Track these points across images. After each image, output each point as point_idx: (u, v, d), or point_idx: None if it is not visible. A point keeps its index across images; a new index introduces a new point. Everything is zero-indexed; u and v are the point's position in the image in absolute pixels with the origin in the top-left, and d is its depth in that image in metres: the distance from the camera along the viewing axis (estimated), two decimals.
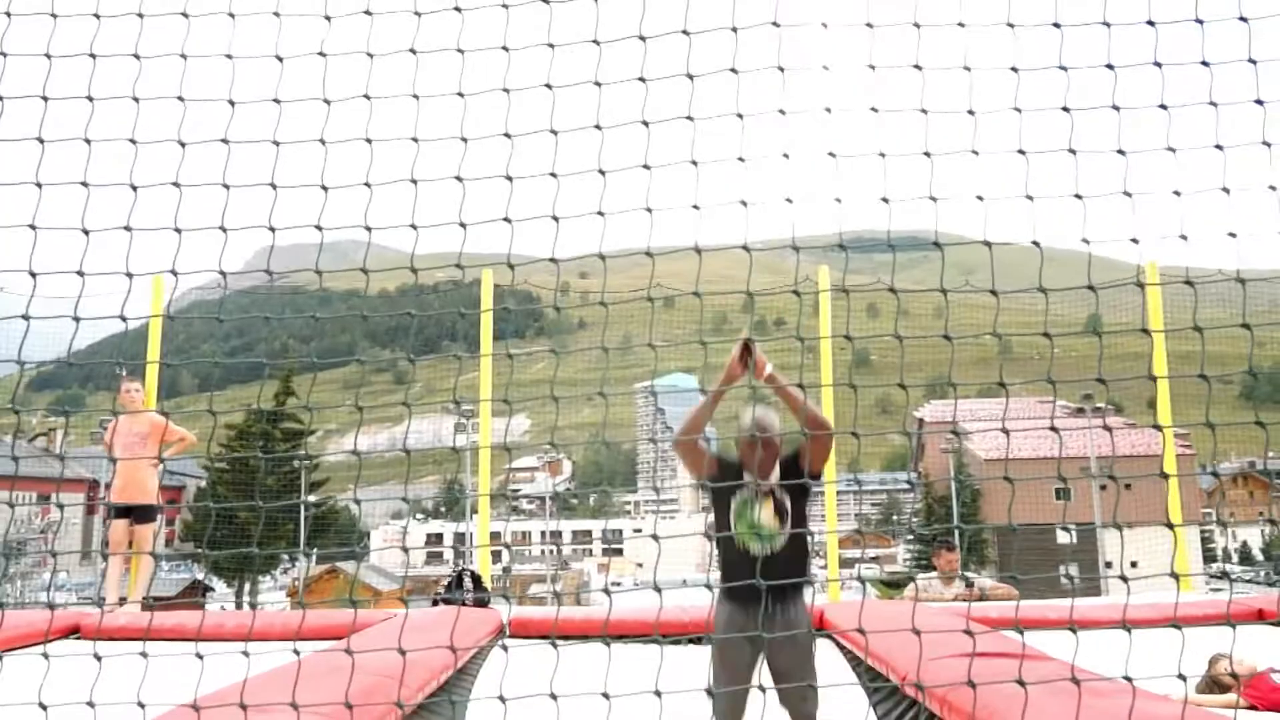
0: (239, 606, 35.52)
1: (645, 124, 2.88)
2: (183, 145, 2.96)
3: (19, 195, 2.85)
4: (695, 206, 2.82)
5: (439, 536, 77.33)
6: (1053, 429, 3.20)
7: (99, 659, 2.63)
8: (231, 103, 3.03)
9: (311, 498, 42.80)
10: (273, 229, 2.89)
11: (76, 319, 2.78)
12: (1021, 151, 2.95)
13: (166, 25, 3.08)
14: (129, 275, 2.78)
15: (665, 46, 2.94)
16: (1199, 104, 2.99)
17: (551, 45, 2.94)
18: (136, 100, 3.02)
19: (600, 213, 2.81)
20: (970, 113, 2.97)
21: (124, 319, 2.90)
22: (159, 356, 7.96)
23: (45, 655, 2.71)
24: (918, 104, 2.96)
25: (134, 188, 2.87)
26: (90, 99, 2.99)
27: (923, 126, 2.97)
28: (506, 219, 2.79)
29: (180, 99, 3.03)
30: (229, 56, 3.06)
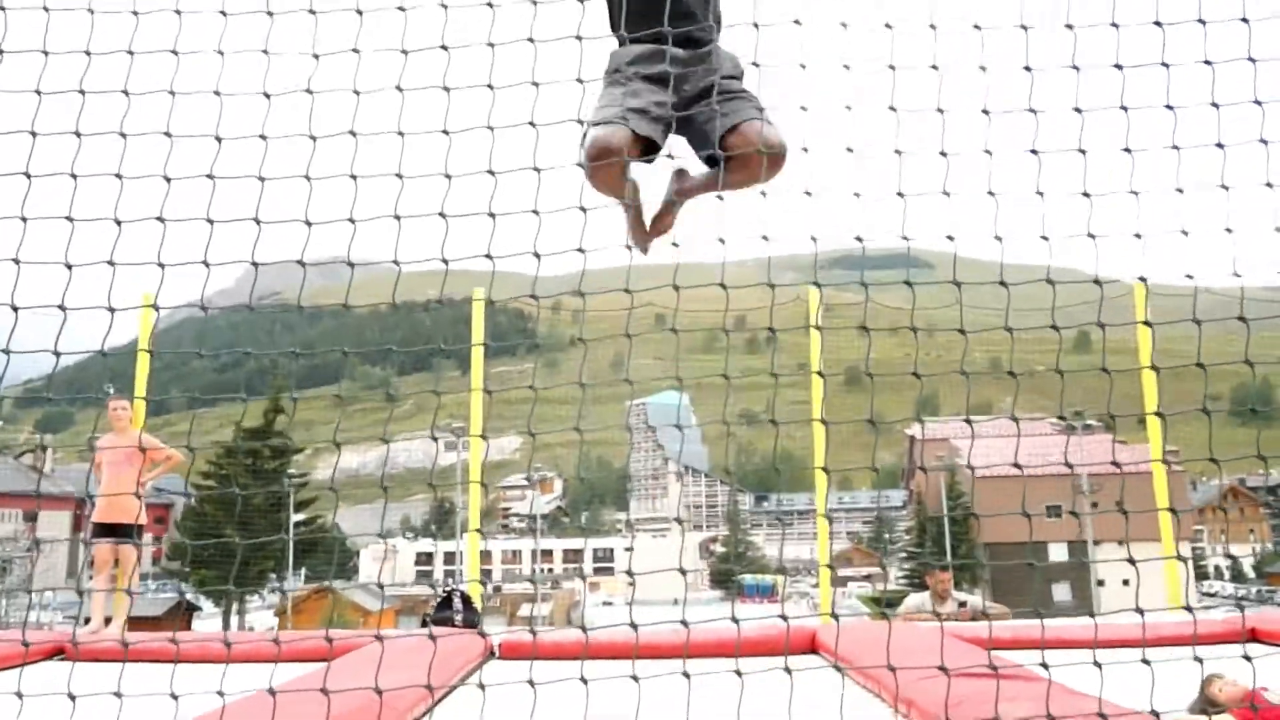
0: (226, 626, 35.20)
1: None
2: (169, 136, 2.95)
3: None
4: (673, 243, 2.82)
5: (428, 555, 77.06)
6: (1062, 451, 3.19)
7: (72, 697, 2.58)
8: (218, 139, 3.01)
9: (299, 516, 42.58)
10: (254, 263, 2.88)
11: (57, 354, 2.75)
12: (983, 163, 2.95)
13: (157, 61, 3.08)
14: (110, 310, 2.75)
15: None
16: (1201, 104, 3.00)
17: (536, 84, 2.96)
18: (127, 94, 3.01)
19: (580, 250, 2.81)
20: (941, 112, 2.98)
21: (104, 353, 2.88)
22: (145, 380, 7.92)
23: (19, 694, 2.66)
24: (893, 131, 2.97)
25: (118, 221, 2.84)
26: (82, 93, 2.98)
27: (895, 144, 2.97)
28: (488, 256, 2.77)
29: (171, 92, 3.02)
30: (216, 94, 3.05)
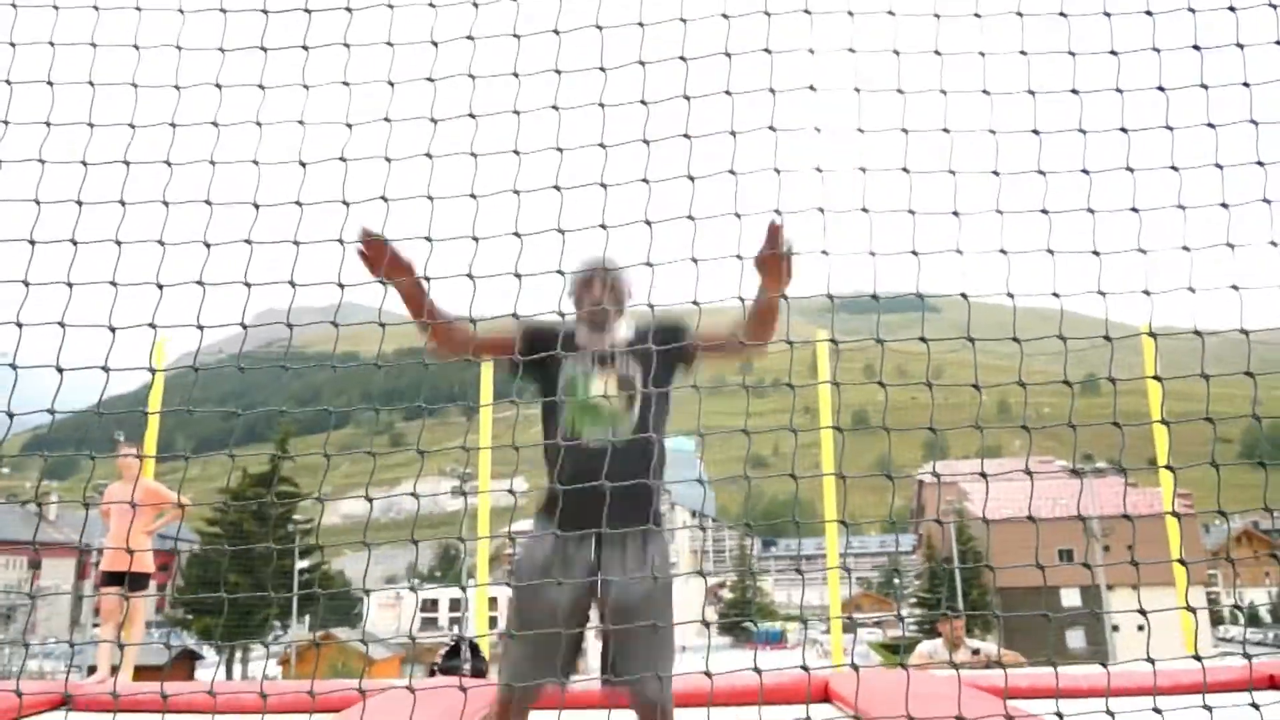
0: (228, 676, 34.83)
1: (645, 181, 2.90)
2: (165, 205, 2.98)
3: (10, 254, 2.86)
4: (694, 260, 2.81)
5: (434, 602, 76.31)
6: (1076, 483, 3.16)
7: None
8: (207, 202, 3.05)
9: (304, 563, 42.30)
10: (239, 302, 2.90)
11: (52, 412, 2.76)
12: (999, 212, 2.97)
13: (157, 96, 3.13)
14: (106, 370, 2.76)
15: (663, 112, 3.00)
16: (1206, 165, 3.02)
17: (556, 107, 2.99)
18: (127, 160, 3.05)
19: (561, 270, 2.82)
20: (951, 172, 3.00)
21: (100, 412, 2.90)
22: (155, 439, 7.93)
23: None
24: (907, 162, 3.00)
25: (115, 284, 2.87)
26: (84, 163, 3.02)
27: (905, 186, 2.99)
28: (517, 274, 2.78)
29: (171, 122, 3.06)
30: (214, 124, 3.10)
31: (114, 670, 6.90)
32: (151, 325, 2.76)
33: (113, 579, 7.04)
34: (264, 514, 39.31)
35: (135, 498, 6.77)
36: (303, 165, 3.04)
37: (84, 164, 2.99)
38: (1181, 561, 3.46)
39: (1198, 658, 2.67)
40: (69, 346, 2.72)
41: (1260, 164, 3.01)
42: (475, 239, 2.83)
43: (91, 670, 7.38)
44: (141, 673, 8.06)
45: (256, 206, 2.97)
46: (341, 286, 2.81)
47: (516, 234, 2.83)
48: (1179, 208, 2.96)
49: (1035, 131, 3.07)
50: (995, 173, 2.99)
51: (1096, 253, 2.90)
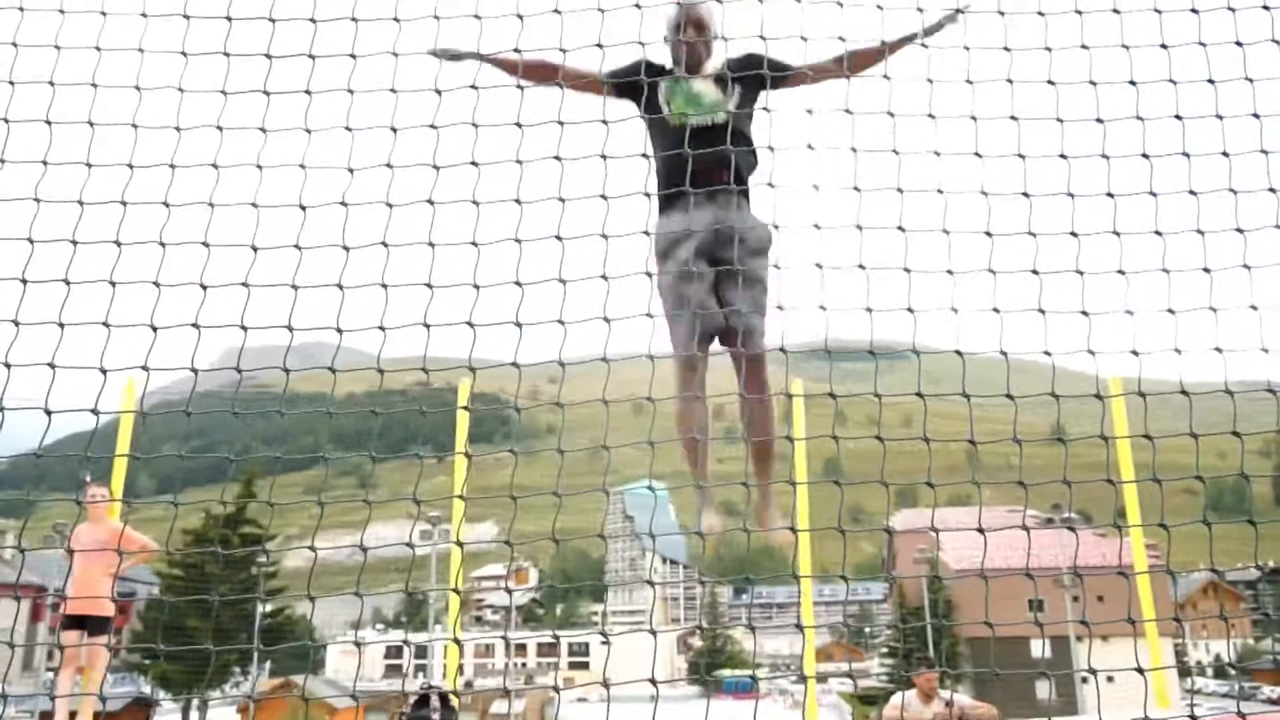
0: None
1: (604, 237, 2.93)
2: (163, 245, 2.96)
3: None
4: (649, 315, 2.84)
5: (398, 649, 74.77)
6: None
7: None
8: (212, 205, 3.05)
9: (267, 607, 41.41)
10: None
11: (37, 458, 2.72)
12: (992, 271, 3.03)
13: (158, 136, 3.13)
14: (47, 412, 2.72)
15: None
16: (1147, 232, 3.11)
17: (519, 162, 3.03)
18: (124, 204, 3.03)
19: (561, 321, 2.84)
20: (946, 231, 3.07)
21: (38, 455, 2.85)
22: (122, 480, 7.75)
23: None
24: (897, 220, 3.06)
25: (107, 325, 2.84)
26: (80, 204, 3.01)
27: (902, 242, 3.05)
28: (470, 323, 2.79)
29: (166, 204, 3.05)
30: (214, 166, 3.10)
31: (72, 717, 6.69)
32: (102, 370, 2.74)
33: (75, 623, 6.85)
34: (228, 556, 38.53)
35: (100, 539, 6.62)
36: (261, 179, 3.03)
37: (36, 200, 2.97)
38: (1176, 619, 3.48)
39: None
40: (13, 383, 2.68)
41: (1240, 230, 3.11)
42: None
43: (46, 718, 7.16)
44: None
45: (207, 246, 2.96)
46: (291, 330, 2.81)
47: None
48: (1163, 271, 3.05)
49: (984, 193, 3.14)
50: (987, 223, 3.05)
51: (1042, 311, 2.96)
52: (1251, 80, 3.25)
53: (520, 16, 3.20)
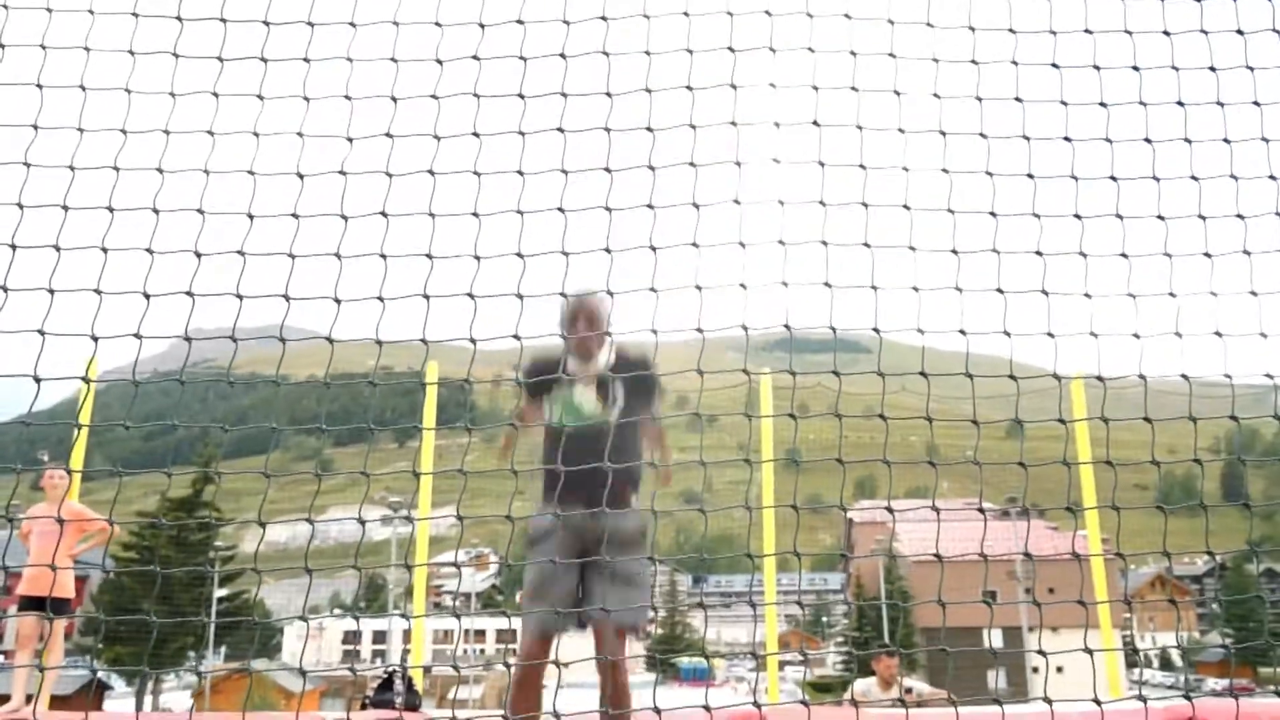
0: (139, 707, 33.38)
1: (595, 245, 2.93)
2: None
3: None
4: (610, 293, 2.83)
5: (356, 634, 74.30)
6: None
7: None
8: (201, 212, 2.99)
9: (223, 591, 40.95)
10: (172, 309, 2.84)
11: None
12: (955, 251, 3.06)
13: (147, 141, 3.07)
14: (37, 380, 2.67)
15: (628, 140, 3.04)
16: (1109, 214, 3.16)
17: (521, 173, 3.01)
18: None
19: (520, 294, 2.84)
20: (906, 206, 3.09)
21: (26, 423, 2.79)
22: (82, 454, 7.59)
23: None
24: (859, 197, 3.08)
25: (51, 291, 2.79)
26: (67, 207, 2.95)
27: (863, 222, 3.07)
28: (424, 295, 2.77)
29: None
30: (205, 172, 3.05)
31: (29, 699, 6.57)
32: (94, 336, 2.69)
33: (32, 603, 6.72)
34: (183, 539, 38.02)
35: (60, 518, 6.50)
36: (253, 175, 2.99)
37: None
38: (1127, 601, 3.56)
39: (1097, 701, 2.74)
40: None
41: (1207, 255, 3.17)
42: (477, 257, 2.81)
43: (3, 699, 7.03)
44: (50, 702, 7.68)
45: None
46: (240, 298, 2.79)
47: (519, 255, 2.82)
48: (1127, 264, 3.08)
49: (988, 192, 3.17)
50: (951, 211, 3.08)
51: (1051, 335, 3.01)
52: (1223, 105, 3.30)
53: (524, 58, 3.15)
